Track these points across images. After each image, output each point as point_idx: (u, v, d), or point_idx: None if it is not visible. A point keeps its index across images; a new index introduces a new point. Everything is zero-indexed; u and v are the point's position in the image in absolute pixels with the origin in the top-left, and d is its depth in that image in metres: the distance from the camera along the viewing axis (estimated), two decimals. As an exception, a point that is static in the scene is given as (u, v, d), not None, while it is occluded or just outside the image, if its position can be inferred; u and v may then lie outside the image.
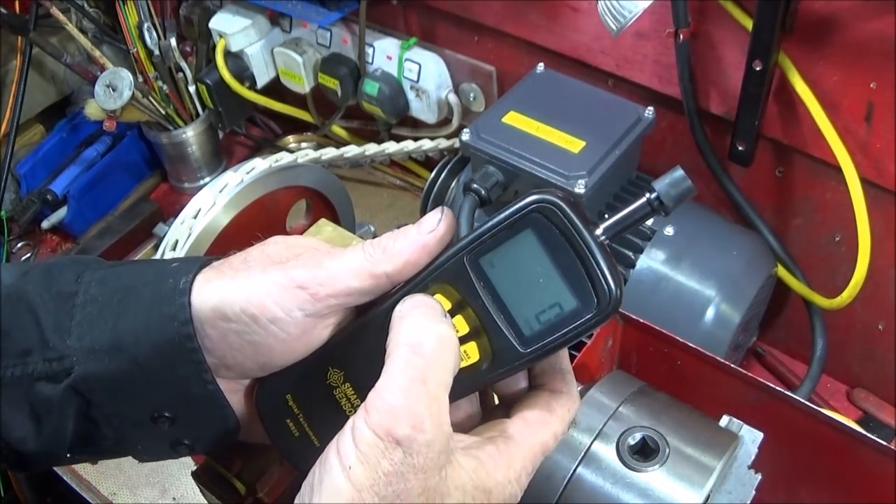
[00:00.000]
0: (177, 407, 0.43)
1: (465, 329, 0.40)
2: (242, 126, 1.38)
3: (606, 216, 0.40)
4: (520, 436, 0.40)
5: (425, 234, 0.40)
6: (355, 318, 0.43)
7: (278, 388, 0.44)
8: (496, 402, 0.46)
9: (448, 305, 0.40)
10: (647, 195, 0.39)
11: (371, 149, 1.16)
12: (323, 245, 0.44)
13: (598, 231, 0.39)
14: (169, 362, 0.41)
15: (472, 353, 0.40)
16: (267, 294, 0.40)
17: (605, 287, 0.37)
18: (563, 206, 0.38)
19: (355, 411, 0.37)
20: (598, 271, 0.37)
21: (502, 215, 0.39)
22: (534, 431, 0.41)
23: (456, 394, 0.38)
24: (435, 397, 0.36)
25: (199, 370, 0.42)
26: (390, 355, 0.37)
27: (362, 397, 0.39)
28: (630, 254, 0.84)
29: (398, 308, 0.39)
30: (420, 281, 0.40)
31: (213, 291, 0.41)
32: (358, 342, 0.41)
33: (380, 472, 0.35)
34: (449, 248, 0.40)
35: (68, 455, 0.44)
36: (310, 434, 0.44)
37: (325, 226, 0.76)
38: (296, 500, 0.37)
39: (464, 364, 0.40)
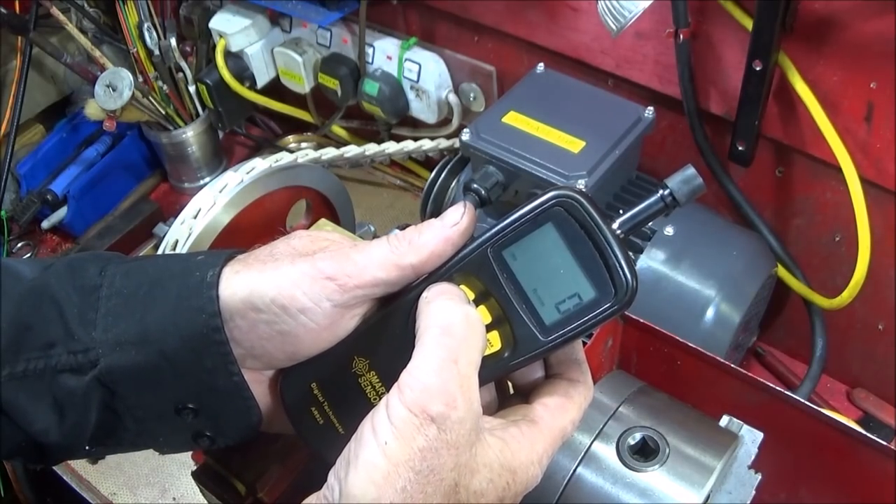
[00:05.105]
0: (201, 398, 0.43)
1: (487, 319, 0.41)
2: (242, 126, 1.38)
3: (622, 211, 0.41)
4: (541, 420, 0.41)
5: (449, 227, 0.41)
6: (379, 309, 0.44)
7: (303, 377, 0.44)
8: (511, 391, 0.46)
9: (471, 296, 0.41)
10: (661, 192, 0.41)
11: (371, 149, 1.16)
12: (346, 239, 0.45)
13: (615, 225, 0.41)
14: (196, 354, 0.42)
15: (495, 341, 0.41)
16: (296, 285, 0.41)
17: (623, 278, 0.39)
18: (584, 200, 0.39)
19: (380, 399, 0.38)
20: (616, 263, 0.39)
21: (525, 209, 0.40)
22: (554, 417, 0.42)
23: (479, 381, 0.39)
24: (466, 376, 0.37)
25: (226, 362, 0.42)
26: (421, 337, 0.39)
27: (387, 384, 0.41)
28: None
29: (425, 294, 0.41)
30: (444, 272, 0.41)
31: (242, 283, 0.42)
32: (383, 331, 0.42)
33: (415, 448, 0.36)
34: (471, 241, 0.41)
35: (87, 447, 0.45)
36: (334, 421, 0.44)
37: (325, 226, 0.76)
38: (329, 474, 0.38)
39: (487, 352, 0.41)
